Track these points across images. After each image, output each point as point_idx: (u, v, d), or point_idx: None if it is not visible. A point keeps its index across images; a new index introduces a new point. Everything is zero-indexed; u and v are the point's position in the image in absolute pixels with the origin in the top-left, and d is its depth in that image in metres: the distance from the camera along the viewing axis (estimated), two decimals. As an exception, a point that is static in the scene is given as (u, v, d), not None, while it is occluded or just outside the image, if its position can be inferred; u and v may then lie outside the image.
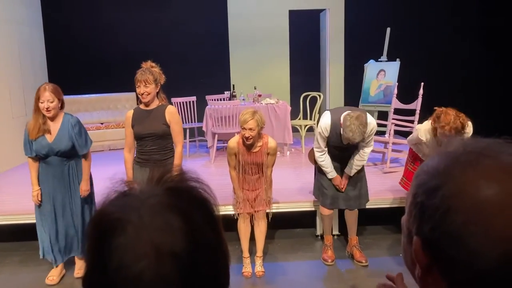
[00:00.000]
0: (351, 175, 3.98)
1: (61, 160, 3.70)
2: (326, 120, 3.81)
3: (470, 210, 0.59)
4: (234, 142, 3.82)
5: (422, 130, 3.92)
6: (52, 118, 3.66)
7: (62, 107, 3.73)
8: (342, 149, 3.92)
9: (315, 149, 3.99)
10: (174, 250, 0.56)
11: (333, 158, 4.00)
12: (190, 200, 0.62)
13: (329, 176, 3.99)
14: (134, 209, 0.59)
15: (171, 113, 3.63)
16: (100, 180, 3.95)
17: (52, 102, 3.58)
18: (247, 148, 3.80)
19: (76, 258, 3.94)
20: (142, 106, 3.70)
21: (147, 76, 3.54)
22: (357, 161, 3.93)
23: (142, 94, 3.58)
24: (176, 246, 0.56)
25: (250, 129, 3.64)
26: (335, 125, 3.77)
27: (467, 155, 0.64)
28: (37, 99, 3.60)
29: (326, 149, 3.94)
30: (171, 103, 7.13)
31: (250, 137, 3.66)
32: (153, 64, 3.70)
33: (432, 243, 0.63)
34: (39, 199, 3.73)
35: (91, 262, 0.61)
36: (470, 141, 0.66)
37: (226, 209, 4.22)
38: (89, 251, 0.61)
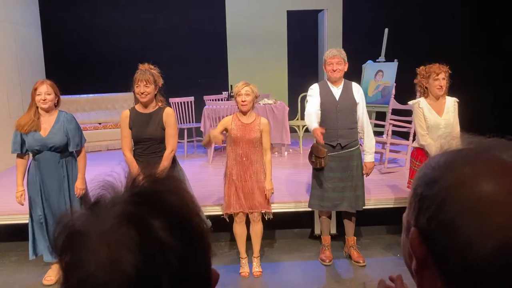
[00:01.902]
0: (372, 160, 4.03)
1: (54, 156, 3.61)
2: (312, 85, 4.08)
3: (466, 200, 0.60)
4: (229, 117, 3.93)
5: (417, 101, 4.08)
6: (47, 111, 3.61)
7: (57, 104, 3.70)
8: (337, 112, 3.89)
9: (306, 110, 4.00)
10: (124, 266, 0.56)
11: (330, 136, 3.87)
12: (152, 207, 0.60)
13: (311, 127, 3.81)
14: (96, 221, 0.59)
15: (168, 115, 3.62)
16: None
17: (49, 95, 3.57)
18: (241, 121, 3.81)
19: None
20: (138, 108, 3.64)
21: (147, 76, 3.51)
22: (367, 143, 4.00)
23: (142, 93, 3.53)
24: (126, 262, 0.56)
25: (246, 94, 3.74)
26: (322, 83, 4.03)
27: (468, 151, 0.65)
28: (34, 90, 3.56)
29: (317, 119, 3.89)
30: (169, 104, 7.19)
31: (246, 102, 3.73)
32: (152, 66, 3.67)
33: (429, 235, 0.63)
34: (23, 201, 3.71)
35: (60, 272, 0.62)
36: (473, 139, 0.67)
37: (222, 210, 4.21)
38: (58, 262, 0.62)
